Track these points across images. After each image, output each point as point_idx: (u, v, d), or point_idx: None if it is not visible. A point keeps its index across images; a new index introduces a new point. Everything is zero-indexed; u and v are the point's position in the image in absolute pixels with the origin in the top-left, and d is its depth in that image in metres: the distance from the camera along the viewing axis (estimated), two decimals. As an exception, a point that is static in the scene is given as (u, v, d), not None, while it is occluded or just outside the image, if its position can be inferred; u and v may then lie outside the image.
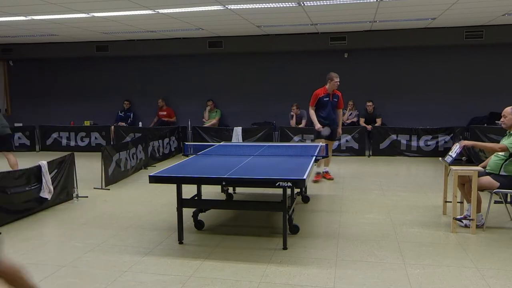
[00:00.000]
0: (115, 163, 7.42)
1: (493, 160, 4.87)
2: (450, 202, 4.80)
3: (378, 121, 10.46)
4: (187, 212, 4.73)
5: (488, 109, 10.08)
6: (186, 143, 6.34)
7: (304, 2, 7.11)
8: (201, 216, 4.93)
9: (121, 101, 12.04)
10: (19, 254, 4.18)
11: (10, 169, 5.42)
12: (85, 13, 7.69)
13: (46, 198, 5.67)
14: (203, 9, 7.49)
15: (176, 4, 7.17)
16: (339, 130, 7.54)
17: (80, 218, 5.41)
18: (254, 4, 7.19)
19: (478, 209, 4.71)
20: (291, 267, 3.81)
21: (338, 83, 7.08)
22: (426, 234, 4.62)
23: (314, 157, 5.20)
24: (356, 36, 10.30)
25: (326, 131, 7.10)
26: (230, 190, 6.31)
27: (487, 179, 4.72)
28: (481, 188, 4.72)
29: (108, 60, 12.15)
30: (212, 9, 7.44)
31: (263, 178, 4.08)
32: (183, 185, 4.40)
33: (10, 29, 9.45)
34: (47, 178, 5.67)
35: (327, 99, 7.15)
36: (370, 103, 10.45)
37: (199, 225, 4.85)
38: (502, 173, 4.73)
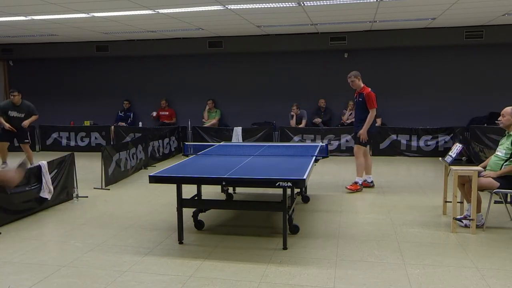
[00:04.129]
0: (115, 163, 7.42)
1: (493, 160, 4.87)
2: (450, 202, 4.80)
3: (378, 121, 10.43)
4: (187, 212, 4.73)
5: (488, 109, 10.07)
6: (186, 143, 6.35)
7: (304, 2, 7.11)
8: (201, 216, 4.93)
9: (121, 101, 12.04)
10: (19, 254, 4.18)
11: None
12: (85, 13, 7.69)
13: (46, 198, 5.67)
14: (203, 9, 7.49)
15: (176, 4, 7.17)
16: (360, 131, 6.59)
17: (80, 218, 5.41)
18: (254, 4, 7.19)
19: (478, 209, 4.71)
20: (291, 267, 3.81)
21: (349, 82, 6.63)
22: (426, 234, 4.62)
23: (314, 157, 5.20)
24: (356, 36, 10.30)
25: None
26: (230, 190, 6.31)
27: (487, 179, 4.72)
28: (481, 188, 4.72)
29: (108, 60, 12.14)
30: (212, 9, 7.44)
31: (263, 178, 4.08)
32: (183, 185, 4.40)
33: (10, 29, 9.45)
34: (47, 178, 5.67)
35: (356, 99, 6.83)
36: None
37: (199, 225, 4.85)
38: (502, 173, 4.73)
